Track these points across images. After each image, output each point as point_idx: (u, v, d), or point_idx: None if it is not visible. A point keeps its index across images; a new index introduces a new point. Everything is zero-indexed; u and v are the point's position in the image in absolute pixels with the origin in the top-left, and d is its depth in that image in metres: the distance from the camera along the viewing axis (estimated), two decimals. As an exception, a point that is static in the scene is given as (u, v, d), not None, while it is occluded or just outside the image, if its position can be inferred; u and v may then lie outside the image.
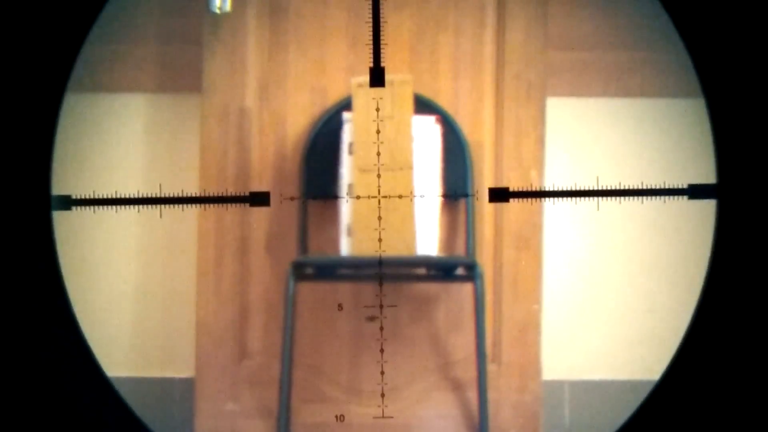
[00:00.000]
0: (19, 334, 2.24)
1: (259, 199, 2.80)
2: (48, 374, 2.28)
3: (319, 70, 3.42)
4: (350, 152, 3.45)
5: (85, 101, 3.57)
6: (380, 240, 3.19)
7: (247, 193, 2.84)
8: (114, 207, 2.55)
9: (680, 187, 2.52)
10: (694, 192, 2.50)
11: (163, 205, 2.62)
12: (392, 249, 3.24)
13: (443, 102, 3.64)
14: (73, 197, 2.51)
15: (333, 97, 3.66)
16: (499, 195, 2.56)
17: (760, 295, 2.25)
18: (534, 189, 2.67)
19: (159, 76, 3.56)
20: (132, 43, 3.60)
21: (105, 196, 2.53)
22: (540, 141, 3.69)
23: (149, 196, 2.61)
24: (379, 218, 3.24)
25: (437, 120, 3.59)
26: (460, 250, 3.68)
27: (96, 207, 2.54)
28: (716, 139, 2.35)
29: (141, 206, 2.60)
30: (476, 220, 3.64)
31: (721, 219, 2.36)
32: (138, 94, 3.67)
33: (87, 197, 2.52)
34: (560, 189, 2.53)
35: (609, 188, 2.50)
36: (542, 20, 3.71)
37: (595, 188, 2.50)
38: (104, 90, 3.64)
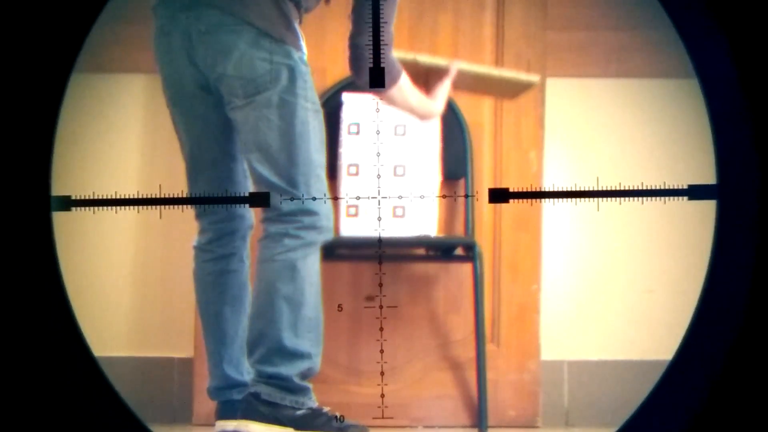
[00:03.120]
0: (18, 334, 2.25)
1: (259, 199, 2.80)
2: (47, 373, 2.28)
3: (318, 51, 3.40)
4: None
5: (85, 81, 3.56)
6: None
7: (246, 193, 2.85)
8: (114, 207, 2.55)
9: (680, 187, 2.51)
10: (694, 192, 2.49)
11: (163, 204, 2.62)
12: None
13: (442, 82, 3.62)
14: (73, 198, 2.51)
15: (332, 78, 3.66)
16: (499, 195, 2.56)
17: (760, 295, 2.25)
18: (534, 190, 2.67)
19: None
20: (133, 23, 3.58)
21: (104, 197, 2.53)
22: (539, 122, 3.69)
23: (149, 196, 2.61)
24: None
25: (437, 100, 3.58)
26: (459, 230, 3.68)
27: (96, 207, 2.54)
28: (716, 139, 2.35)
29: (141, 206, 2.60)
30: (475, 200, 3.64)
31: (721, 219, 2.36)
32: (139, 74, 3.67)
33: (86, 197, 2.52)
34: (560, 190, 2.53)
35: (609, 188, 2.50)
36: (541, 0, 3.69)
37: (595, 188, 2.50)
38: (105, 70, 3.63)
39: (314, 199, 2.88)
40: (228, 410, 3.01)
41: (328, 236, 2.95)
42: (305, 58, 2.93)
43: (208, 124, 2.98)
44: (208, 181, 3.01)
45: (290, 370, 2.86)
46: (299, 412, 2.85)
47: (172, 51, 2.93)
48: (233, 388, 3.03)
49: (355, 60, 3.02)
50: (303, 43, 2.93)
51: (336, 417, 2.87)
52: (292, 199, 2.85)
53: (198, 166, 3.02)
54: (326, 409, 2.89)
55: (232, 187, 3.03)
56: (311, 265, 2.92)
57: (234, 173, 3.03)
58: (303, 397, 2.87)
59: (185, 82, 2.95)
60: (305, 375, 2.89)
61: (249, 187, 3.03)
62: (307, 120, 2.90)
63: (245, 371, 3.04)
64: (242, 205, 2.96)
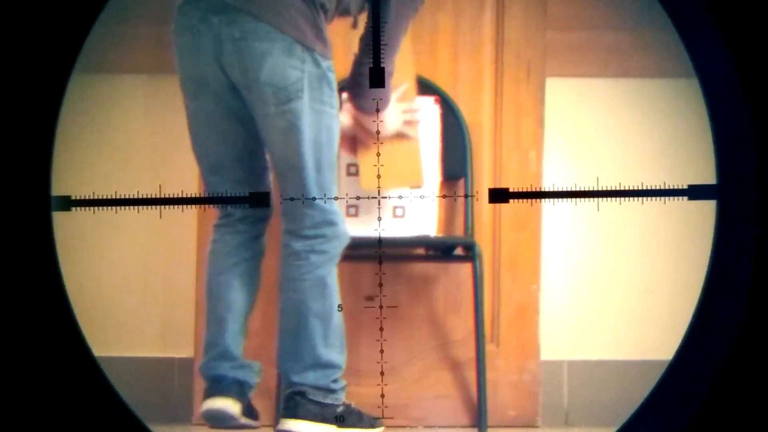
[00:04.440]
0: (19, 334, 2.25)
1: (259, 199, 2.81)
2: (48, 373, 2.28)
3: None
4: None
5: (85, 81, 3.55)
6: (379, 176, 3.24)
7: (246, 193, 2.85)
8: (114, 207, 2.55)
9: (680, 187, 2.52)
10: (694, 192, 2.49)
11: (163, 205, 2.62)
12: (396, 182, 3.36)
13: (442, 83, 3.63)
14: (73, 198, 2.51)
15: (332, 78, 3.65)
16: (499, 195, 2.56)
17: (760, 295, 2.25)
18: (534, 190, 2.67)
19: (160, 57, 3.52)
20: (133, 23, 3.58)
21: (104, 197, 2.53)
22: (539, 121, 3.68)
23: (149, 196, 2.61)
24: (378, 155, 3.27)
25: (436, 101, 3.58)
26: (458, 231, 3.68)
27: (96, 207, 2.54)
28: (716, 139, 2.35)
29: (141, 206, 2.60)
30: (475, 200, 3.64)
31: (721, 219, 2.36)
32: (139, 74, 3.66)
33: (86, 197, 2.52)
34: (560, 190, 2.53)
35: (609, 188, 2.50)
36: (541, 0, 3.69)
37: (595, 188, 2.50)
38: (105, 70, 3.62)
39: (331, 204, 2.95)
40: (217, 387, 3.05)
41: (348, 242, 3.05)
42: (332, 65, 2.98)
43: (232, 121, 3.01)
44: (231, 177, 3.05)
45: (324, 380, 2.99)
46: (339, 409, 3.00)
47: (199, 51, 2.94)
48: (228, 362, 3.07)
49: (355, 85, 3.15)
50: (330, 52, 2.96)
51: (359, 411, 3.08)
52: (291, 199, 2.90)
53: (219, 162, 3.05)
54: (353, 404, 3.07)
55: (255, 181, 3.07)
56: (335, 276, 3.02)
57: (256, 169, 3.06)
58: (341, 394, 3.03)
59: (210, 82, 2.98)
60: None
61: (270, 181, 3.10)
62: (332, 127, 2.98)
63: (240, 351, 3.11)
64: (242, 205, 2.98)
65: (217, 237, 3.13)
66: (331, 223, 2.97)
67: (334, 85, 2.98)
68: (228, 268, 3.10)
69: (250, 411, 3.14)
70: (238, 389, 3.05)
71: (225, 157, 3.04)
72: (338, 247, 3.01)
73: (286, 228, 3.00)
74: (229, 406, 3.01)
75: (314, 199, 2.93)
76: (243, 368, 3.07)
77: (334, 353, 3.01)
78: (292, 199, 2.95)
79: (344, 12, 3.08)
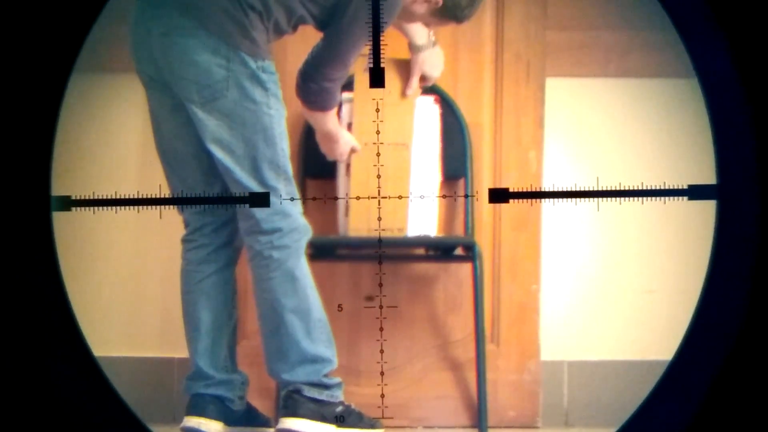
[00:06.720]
0: (19, 334, 2.25)
1: (259, 199, 2.81)
2: (48, 373, 2.28)
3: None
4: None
5: (85, 81, 3.55)
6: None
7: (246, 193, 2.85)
8: (114, 207, 2.55)
9: (680, 187, 2.52)
10: (694, 192, 2.50)
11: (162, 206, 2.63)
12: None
13: (442, 82, 3.62)
14: (73, 198, 2.51)
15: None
16: (499, 196, 2.56)
17: (760, 295, 2.25)
18: (534, 190, 2.67)
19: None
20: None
21: (104, 197, 2.53)
22: (539, 121, 3.68)
23: (149, 196, 2.61)
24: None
25: (436, 100, 3.58)
26: (458, 230, 3.68)
27: (96, 207, 2.54)
28: (716, 139, 2.35)
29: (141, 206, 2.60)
30: (475, 200, 3.64)
31: (721, 219, 2.36)
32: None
33: (86, 197, 2.52)
34: (560, 190, 2.53)
35: (609, 189, 2.50)
36: (541, 0, 3.69)
37: (595, 188, 2.50)
38: (105, 70, 3.62)
39: (281, 202, 2.94)
40: (193, 405, 3.09)
41: (309, 234, 3.04)
42: (270, 66, 2.97)
43: (182, 116, 3.00)
44: (189, 175, 3.05)
45: (315, 375, 3.00)
46: (338, 409, 3.01)
47: (138, 46, 2.99)
48: (200, 381, 3.10)
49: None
50: (265, 53, 2.94)
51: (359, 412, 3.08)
52: (291, 199, 2.91)
53: (176, 158, 3.06)
54: (353, 405, 3.07)
55: (215, 180, 3.05)
56: (305, 269, 3.02)
57: (214, 167, 3.04)
58: (337, 391, 3.03)
59: (151, 76, 3.00)
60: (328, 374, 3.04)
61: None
62: (272, 125, 2.95)
63: (220, 366, 3.13)
64: (242, 205, 2.98)
65: (183, 254, 3.17)
66: (284, 215, 2.96)
67: (271, 85, 2.96)
68: (193, 286, 3.14)
69: (251, 417, 3.16)
70: (216, 407, 3.09)
71: (181, 153, 3.05)
72: (299, 240, 3.00)
73: (244, 228, 3.01)
74: (202, 424, 3.06)
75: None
76: (219, 385, 3.11)
77: (321, 347, 3.01)
78: None
79: (300, 20, 3.08)
